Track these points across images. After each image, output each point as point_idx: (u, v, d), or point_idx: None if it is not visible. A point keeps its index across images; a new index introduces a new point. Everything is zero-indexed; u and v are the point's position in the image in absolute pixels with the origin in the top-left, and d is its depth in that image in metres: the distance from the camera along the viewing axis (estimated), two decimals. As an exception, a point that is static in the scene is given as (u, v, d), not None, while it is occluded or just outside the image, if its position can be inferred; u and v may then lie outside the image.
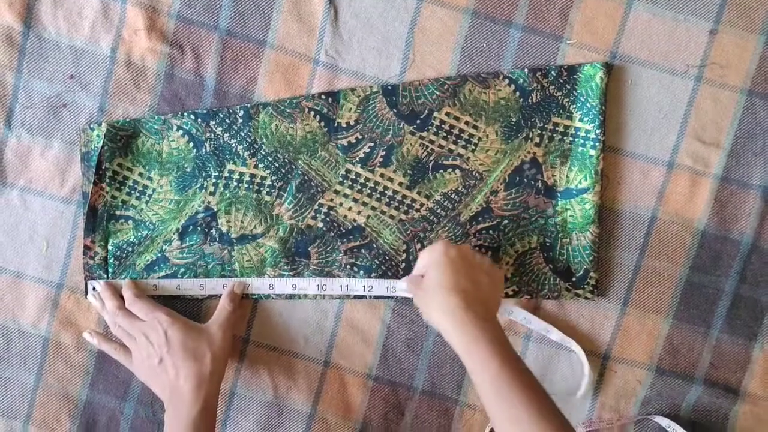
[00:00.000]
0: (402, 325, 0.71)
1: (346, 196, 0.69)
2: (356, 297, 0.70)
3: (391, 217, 0.69)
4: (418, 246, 0.69)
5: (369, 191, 0.69)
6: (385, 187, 0.69)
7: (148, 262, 0.69)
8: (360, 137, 0.68)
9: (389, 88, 0.68)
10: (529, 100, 0.68)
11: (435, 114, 0.68)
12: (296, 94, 0.69)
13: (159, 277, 0.69)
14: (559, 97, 0.68)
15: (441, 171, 0.69)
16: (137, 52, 0.68)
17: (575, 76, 0.67)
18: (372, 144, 0.68)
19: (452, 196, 0.69)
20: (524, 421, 0.53)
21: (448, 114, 0.68)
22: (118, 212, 0.69)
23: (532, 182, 0.69)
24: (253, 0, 0.68)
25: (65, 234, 0.70)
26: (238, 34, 0.68)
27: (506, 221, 0.69)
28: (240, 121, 0.68)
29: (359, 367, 0.71)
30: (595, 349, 0.70)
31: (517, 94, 0.68)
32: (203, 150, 0.69)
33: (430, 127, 0.68)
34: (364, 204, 0.69)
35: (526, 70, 0.68)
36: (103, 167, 0.68)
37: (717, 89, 0.68)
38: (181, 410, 0.62)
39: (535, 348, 0.70)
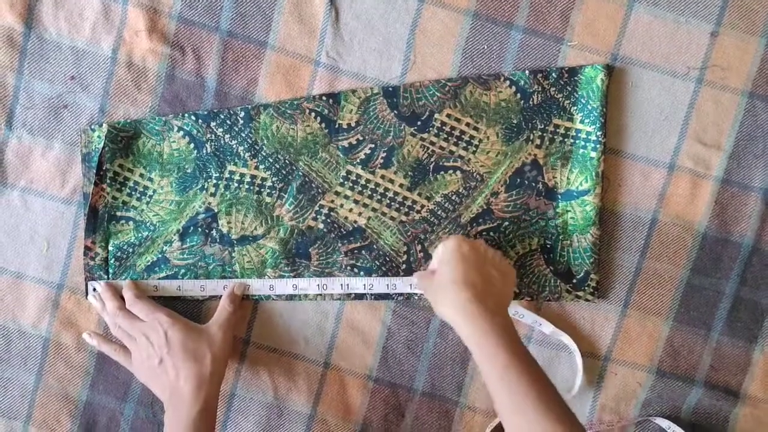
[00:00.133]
0: (402, 326, 0.71)
1: (346, 197, 0.69)
2: (357, 297, 0.70)
3: (392, 218, 0.69)
4: (419, 247, 0.69)
5: (370, 193, 0.69)
6: (386, 189, 0.69)
7: (149, 263, 0.69)
8: (361, 139, 0.68)
9: (390, 89, 0.68)
10: (530, 102, 0.68)
11: (436, 115, 0.68)
12: (297, 95, 0.69)
13: (159, 278, 0.69)
14: (560, 99, 0.68)
15: (442, 173, 0.69)
16: (138, 53, 0.68)
17: (576, 78, 0.67)
18: (373, 145, 0.68)
19: (453, 197, 0.69)
20: (530, 413, 0.53)
21: (448, 116, 0.68)
22: (118, 213, 0.69)
23: (533, 184, 0.69)
24: (254, 1, 0.68)
25: (66, 235, 0.70)
26: (239, 36, 0.68)
27: (507, 223, 0.69)
28: (241, 122, 0.68)
29: (359, 369, 0.71)
30: (596, 351, 0.70)
31: (518, 95, 0.68)
32: (204, 151, 0.69)
33: (430, 129, 0.68)
34: (365, 205, 0.69)
35: (527, 71, 0.68)
36: (104, 168, 0.68)
37: (718, 91, 0.68)
38: (181, 411, 0.62)
39: (535, 349, 0.70)
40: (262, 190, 0.69)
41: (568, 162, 0.68)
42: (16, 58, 0.68)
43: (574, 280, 0.69)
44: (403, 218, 0.69)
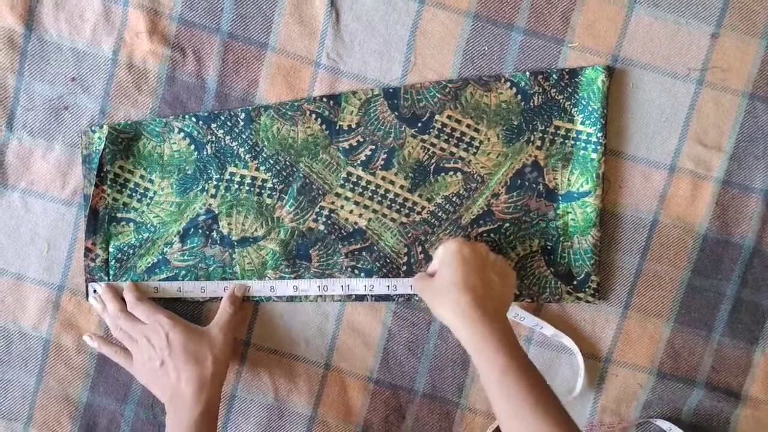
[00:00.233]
0: (403, 328, 0.71)
1: (347, 198, 0.69)
2: (357, 298, 0.70)
3: (393, 220, 0.69)
4: (419, 249, 0.69)
5: (370, 194, 0.69)
6: (387, 190, 0.69)
7: (149, 265, 0.69)
8: (361, 140, 0.68)
9: (390, 91, 0.68)
10: (531, 103, 0.68)
11: (436, 117, 0.68)
12: (298, 96, 0.69)
13: (160, 280, 0.69)
14: (561, 101, 0.68)
15: (442, 174, 0.69)
16: (139, 54, 0.68)
17: (577, 80, 0.67)
18: (373, 147, 0.68)
19: (453, 199, 0.69)
20: (529, 418, 0.53)
21: (449, 117, 0.68)
22: (119, 215, 0.69)
23: (534, 185, 0.69)
24: (254, 3, 0.68)
25: (66, 236, 0.70)
26: (240, 37, 0.68)
27: (507, 224, 0.69)
28: (241, 123, 0.68)
29: (360, 370, 0.71)
30: (597, 353, 0.70)
31: (519, 97, 0.68)
32: (204, 152, 0.69)
33: (431, 130, 0.68)
34: (366, 207, 0.69)
35: (527, 73, 0.68)
36: (105, 170, 0.68)
37: (718, 93, 0.68)
38: (183, 413, 0.62)
39: (535, 351, 0.70)
40: (263, 191, 0.69)
41: (569, 163, 0.68)
42: (16, 59, 0.68)
43: (575, 282, 0.69)
44: (404, 220, 0.69)
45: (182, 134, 0.69)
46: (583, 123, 0.68)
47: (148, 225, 0.69)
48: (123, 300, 0.68)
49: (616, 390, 0.70)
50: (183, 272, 0.69)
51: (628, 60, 0.68)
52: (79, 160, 0.69)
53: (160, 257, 0.69)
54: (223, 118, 0.68)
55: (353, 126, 0.68)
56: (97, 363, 0.71)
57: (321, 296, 0.70)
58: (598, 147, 0.67)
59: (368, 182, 0.69)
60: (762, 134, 0.68)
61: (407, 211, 0.69)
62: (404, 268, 0.69)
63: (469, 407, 0.71)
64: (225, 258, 0.69)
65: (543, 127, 0.68)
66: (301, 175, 0.69)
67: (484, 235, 0.69)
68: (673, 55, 0.68)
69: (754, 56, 0.68)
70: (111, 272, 0.69)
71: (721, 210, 0.69)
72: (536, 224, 0.69)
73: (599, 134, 0.67)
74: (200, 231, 0.69)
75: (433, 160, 0.68)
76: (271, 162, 0.69)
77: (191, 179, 0.69)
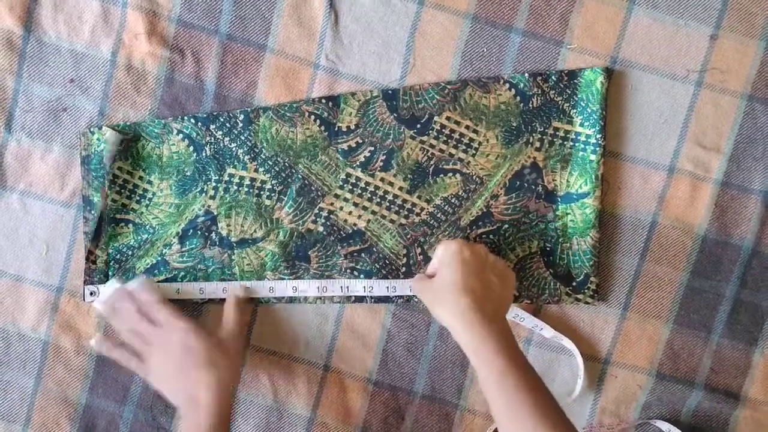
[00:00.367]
0: (402, 329, 0.71)
1: (346, 200, 0.69)
2: (357, 300, 0.69)
3: (392, 221, 0.69)
4: (418, 250, 0.69)
5: (369, 195, 0.69)
6: (386, 192, 0.69)
7: (148, 266, 0.69)
8: (360, 141, 0.68)
9: (389, 92, 0.68)
10: (530, 105, 0.68)
11: (435, 118, 0.68)
12: (296, 98, 0.69)
13: (159, 281, 0.69)
14: (560, 102, 0.68)
15: (441, 175, 0.69)
16: (137, 56, 0.68)
17: (576, 81, 0.67)
18: (372, 148, 0.68)
19: (453, 200, 0.69)
20: (527, 420, 0.54)
21: (448, 118, 0.68)
22: (118, 216, 0.69)
23: (533, 187, 0.69)
24: (253, 4, 0.68)
25: (65, 238, 0.70)
26: (239, 39, 0.68)
27: (507, 226, 0.69)
28: (240, 125, 0.68)
29: (359, 372, 0.71)
30: (596, 354, 0.70)
31: (518, 98, 0.68)
32: (203, 154, 0.69)
33: (430, 132, 0.68)
34: (365, 208, 0.69)
35: (526, 74, 0.68)
36: (106, 172, 0.68)
37: (717, 94, 0.68)
38: (201, 419, 0.60)
39: (535, 352, 0.70)
40: (262, 192, 0.69)
41: (568, 165, 0.68)
42: (15, 61, 0.68)
43: (574, 283, 0.69)
44: (403, 221, 0.69)
45: (181, 136, 0.69)
46: (582, 124, 0.68)
47: (147, 226, 0.69)
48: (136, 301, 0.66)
49: (616, 391, 0.70)
50: (182, 273, 0.69)
51: (627, 61, 0.68)
52: (77, 162, 0.69)
53: (159, 258, 0.69)
54: (222, 120, 0.68)
55: (352, 127, 0.68)
56: (95, 364, 0.71)
57: (320, 298, 0.70)
58: (597, 148, 0.67)
59: (367, 183, 0.69)
60: (761, 135, 0.68)
61: (406, 213, 0.69)
62: (403, 269, 0.69)
63: (469, 408, 0.71)
64: (224, 259, 0.69)
65: (542, 129, 0.68)
66: (300, 176, 0.69)
67: (483, 236, 0.69)
68: (672, 56, 0.68)
69: (752, 58, 0.68)
70: (110, 273, 0.69)
71: (720, 211, 0.69)
72: (535, 225, 0.69)
73: (598, 136, 0.67)
74: (199, 232, 0.69)
75: (432, 162, 0.68)
76: (270, 163, 0.69)
77: (190, 180, 0.69)
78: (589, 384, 0.70)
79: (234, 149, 0.68)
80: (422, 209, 0.69)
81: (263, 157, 0.69)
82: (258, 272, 0.69)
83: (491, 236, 0.69)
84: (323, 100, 0.68)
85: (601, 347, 0.70)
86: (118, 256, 0.69)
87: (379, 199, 0.69)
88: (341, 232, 0.69)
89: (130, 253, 0.69)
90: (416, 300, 0.69)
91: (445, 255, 0.61)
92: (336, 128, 0.68)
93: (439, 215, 0.69)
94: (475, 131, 0.68)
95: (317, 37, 0.68)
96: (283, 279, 0.69)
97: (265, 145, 0.68)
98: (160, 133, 0.69)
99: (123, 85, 0.68)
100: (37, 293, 0.70)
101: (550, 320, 0.70)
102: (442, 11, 0.68)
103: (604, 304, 0.70)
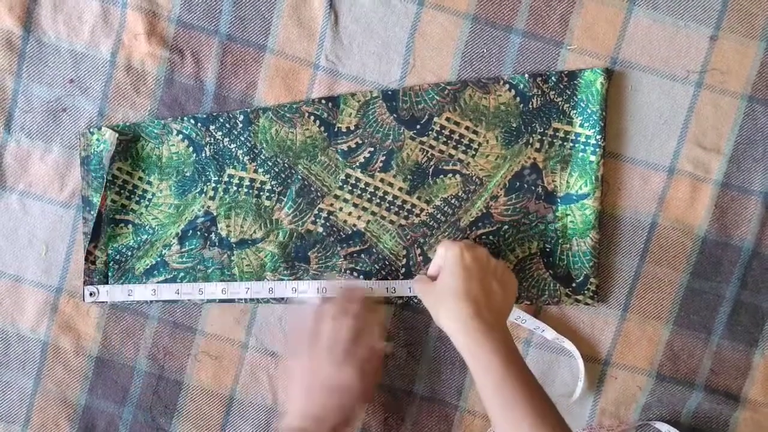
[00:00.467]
0: (402, 330, 0.70)
1: (346, 200, 0.69)
2: (356, 302, 0.69)
3: (391, 222, 0.69)
4: (418, 251, 0.69)
5: (369, 196, 0.69)
6: (385, 192, 0.69)
7: (148, 267, 0.69)
8: (360, 142, 0.68)
9: (389, 93, 0.68)
10: (530, 106, 0.68)
11: (435, 119, 0.68)
12: (296, 98, 0.69)
13: (158, 282, 0.69)
14: (560, 103, 0.68)
15: (441, 176, 0.68)
16: (137, 56, 0.68)
17: (576, 82, 0.67)
18: (372, 149, 0.68)
19: (452, 201, 0.69)
20: (525, 426, 0.53)
21: (448, 119, 0.68)
22: (117, 216, 0.69)
23: (533, 188, 0.69)
24: (253, 5, 0.68)
25: (64, 238, 0.70)
26: (238, 39, 0.68)
27: (506, 227, 0.69)
28: (240, 125, 0.68)
29: (359, 373, 0.71)
30: (596, 355, 0.70)
31: (518, 99, 0.68)
32: (203, 154, 0.69)
33: (430, 132, 0.68)
34: (364, 209, 0.69)
35: (526, 75, 0.67)
36: (105, 172, 0.68)
37: (717, 95, 0.68)
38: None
39: (535, 353, 0.70)
40: (261, 193, 0.69)
41: (568, 165, 0.68)
42: (14, 61, 0.68)
43: (574, 284, 0.69)
44: (403, 222, 0.69)
45: (181, 136, 0.69)
46: (582, 125, 0.68)
47: (147, 227, 0.69)
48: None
49: (615, 392, 0.70)
50: (181, 274, 0.69)
51: (627, 62, 0.68)
52: (77, 162, 0.69)
53: (159, 259, 0.69)
54: (221, 120, 0.68)
55: (352, 128, 0.68)
56: (95, 365, 0.71)
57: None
58: (597, 149, 0.67)
59: (367, 184, 0.69)
60: (761, 136, 0.68)
61: (406, 213, 0.69)
62: (403, 270, 0.69)
63: (468, 410, 0.71)
64: (224, 260, 0.69)
65: (542, 130, 0.68)
66: (299, 177, 0.69)
67: (483, 237, 0.69)
68: (672, 57, 0.68)
69: (752, 58, 0.68)
70: (109, 274, 0.69)
71: (720, 212, 0.69)
72: (535, 226, 0.69)
73: (598, 136, 0.67)
74: (199, 233, 0.69)
75: (431, 162, 0.68)
76: (270, 164, 0.69)
77: (190, 181, 0.69)
78: (588, 385, 0.70)
79: (234, 150, 0.68)
80: (422, 210, 0.69)
81: (263, 157, 0.68)
82: (257, 273, 0.69)
83: (491, 237, 0.69)
84: (323, 101, 0.68)
85: (601, 348, 0.70)
86: (117, 257, 0.69)
87: (378, 200, 0.69)
88: (341, 233, 0.69)
89: (129, 253, 0.69)
90: (416, 301, 0.69)
91: (446, 260, 0.61)
92: (336, 129, 0.68)
93: (438, 216, 0.69)
94: (475, 132, 0.68)
95: (317, 38, 0.68)
96: (282, 280, 0.69)
97: (264, 145, 0.68)
98: (159, 133, 0.69)
99: (122, 86, 0.68)
100: (37, 294, 0.70)
101: (550, 321, 0.70)
102: (441, 12, 0.68)
103: (603, 305, 0.70)
